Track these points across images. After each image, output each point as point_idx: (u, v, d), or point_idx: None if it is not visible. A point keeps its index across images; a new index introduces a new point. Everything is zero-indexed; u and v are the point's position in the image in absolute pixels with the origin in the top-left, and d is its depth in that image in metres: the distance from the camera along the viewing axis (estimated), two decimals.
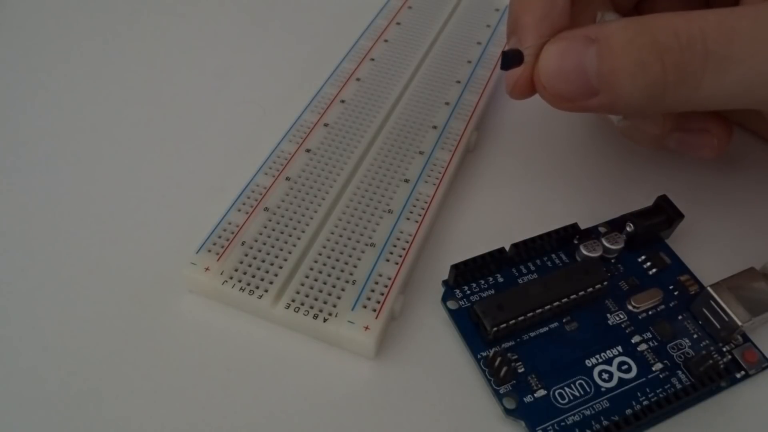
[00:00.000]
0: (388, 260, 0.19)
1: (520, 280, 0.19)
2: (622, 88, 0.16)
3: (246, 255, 0.18)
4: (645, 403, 0.16)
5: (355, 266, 0.18)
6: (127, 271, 0.19)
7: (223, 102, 0.25)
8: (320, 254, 0.19)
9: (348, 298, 0.18)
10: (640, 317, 0.18)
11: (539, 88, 0.18)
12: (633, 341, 0.18)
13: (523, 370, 0.17)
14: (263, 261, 0.18)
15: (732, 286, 0.18)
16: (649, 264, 0.20)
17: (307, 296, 0.18)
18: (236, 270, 0.18)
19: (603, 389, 0.17)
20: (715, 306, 0.18)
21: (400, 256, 0.19)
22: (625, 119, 0.21)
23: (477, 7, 0.29)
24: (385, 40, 0.27)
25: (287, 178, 0.21)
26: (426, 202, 0.20)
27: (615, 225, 0.20)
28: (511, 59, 0.18)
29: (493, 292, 0.19)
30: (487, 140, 0.24)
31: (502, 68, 0.18)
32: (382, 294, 0.18)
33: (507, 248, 0.19)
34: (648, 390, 0.17)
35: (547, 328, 0.18)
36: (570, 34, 0.17)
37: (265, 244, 0.19)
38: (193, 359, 0.17)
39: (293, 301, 0.18)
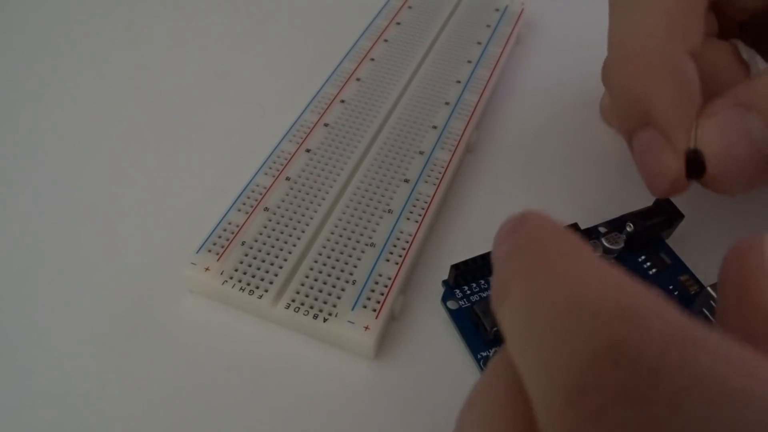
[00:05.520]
0: (388, 260, 0.19)
1: None
2: None
3: (246, 255, 0.18)
4: None
5: (355, 266, 0.18)
6: (127, 271, 0.19)
7: (223, 102, 0.25)
8: (320, 254, 0.19)
9: (348, 298, 0.18)
10: None
11: (709, 179, 0.15)
12: None
13: None
14: (263, 261, 0.18)
15: None
16: (649, 264, 0.20)
17: (307, 296, 0.18)
18: (236, 270, 0.18)
19: None
20: (716, 306, 0.18)
21: (400, 256, 0.19)
22: None
23: (477, 7, 0.29)
24: (385, 40, 0.27)
25: (287, 178, 0.21)
26: (426, 202, 0.20)
27: (615, 225, 0.20)
28: (696, 168, 0.15)
29: None
30: (487, 140, 0.24)
31: (688, 178, 0.15)
32: (382, 294, 0.18)
33: None
34: None
35: None
36: (719, 108, 0.15)
37: (265, 244, 0.19)
38: (193, 359, 0.17)
39: (293, 301, 0.18)
